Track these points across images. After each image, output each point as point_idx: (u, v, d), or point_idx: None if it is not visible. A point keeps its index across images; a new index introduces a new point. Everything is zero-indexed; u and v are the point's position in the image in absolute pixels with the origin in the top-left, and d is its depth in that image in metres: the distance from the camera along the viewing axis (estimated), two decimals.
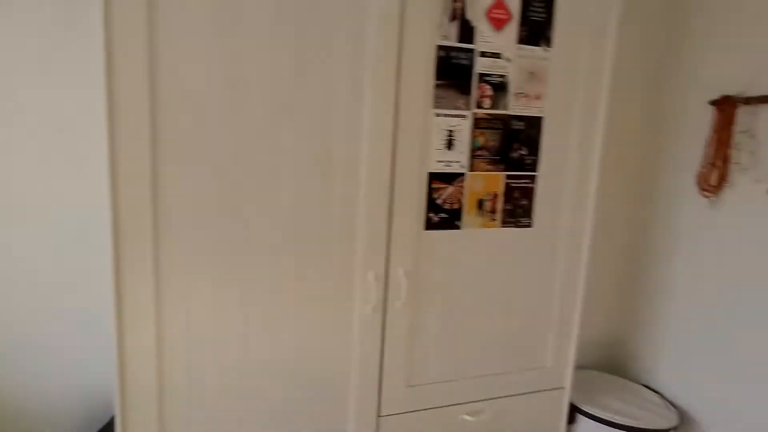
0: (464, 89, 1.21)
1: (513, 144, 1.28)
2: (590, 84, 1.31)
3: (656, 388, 1.68)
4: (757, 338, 1.35)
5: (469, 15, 1.18)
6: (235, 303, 1.12)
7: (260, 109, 1.06)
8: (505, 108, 1.25)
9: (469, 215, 1.27)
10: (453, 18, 1.17)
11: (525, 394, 1.42)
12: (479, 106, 1.23)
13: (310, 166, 1.12)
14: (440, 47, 1.17)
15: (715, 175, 1.42)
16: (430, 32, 1.15)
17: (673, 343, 1.62)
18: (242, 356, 1.15)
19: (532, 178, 1.31)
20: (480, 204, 1.27)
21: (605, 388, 1.63)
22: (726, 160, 1.39)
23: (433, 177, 1.22)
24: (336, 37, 1.09)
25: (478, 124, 1.24)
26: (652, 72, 1.68)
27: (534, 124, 1.28)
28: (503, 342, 1.38)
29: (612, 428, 1.46)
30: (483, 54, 1.20)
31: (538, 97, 1.27)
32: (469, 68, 1.20)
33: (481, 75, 1.21)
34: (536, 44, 1.24)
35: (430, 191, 1.22)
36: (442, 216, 1.25)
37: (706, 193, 1.45)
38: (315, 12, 1.06)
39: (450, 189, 1.24)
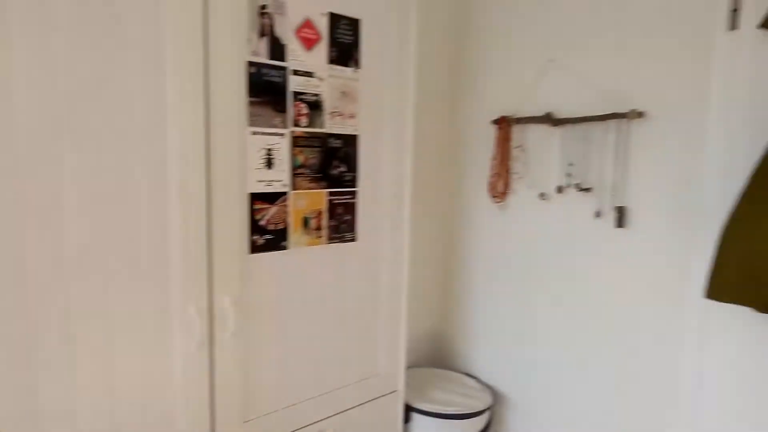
0: (280, 107, 1.19)
1: (332, 161, 1.30)
2: (397, 103, 1.42)
3: (474, 374, 1.89)
4: (544, 316, 1.63)
5: (279, 32, 1.17)
6: (18, 350, 0.89)
7: (36, 123, 0.87)
8: (321, 126, 1.27)
9: (295, 234, 1.25)
10: (262, 34, 1.15)
11: (363, 403, 1.46)
12: (296, 125, 1.22)
13: (106, 190, 0.96)
14: (251, 64, 1.13)
15: (501, 184, 1.68)
16: (239, 48, 1.11)
17: (483, 331, 1.85)
18: (32, 408, 0.92)
19: (353, 194, 1.36)
20: (305, 222, 1.27)
21: (433, 383, 1.78)
22: (508, 170, 1.66)
23: (255, 197, 1.17)
24: (134, 50, 0.96)
25: (297, 142, 1.23)
26: (449, 94, 1.91)
27: (350, 141, 1.34)
28: (338, 357, 1.39)
29: (441, 419, 1.59)
30: (296, 72, 1.21)
31: (352, 116, 1.33)
32: (283, 86, 1.19)
33: (296, 93, 1.21)
34: (346, 65, 1.30)
35: (253, 212, 1.17)
36: (268, 237, 1.20)
37: (495, 199, 1.71)
38: (110, 21, 0.92)
39: (273, 209, 1.21)
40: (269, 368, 1.25)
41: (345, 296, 1.38)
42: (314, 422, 1.35)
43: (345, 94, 1.31)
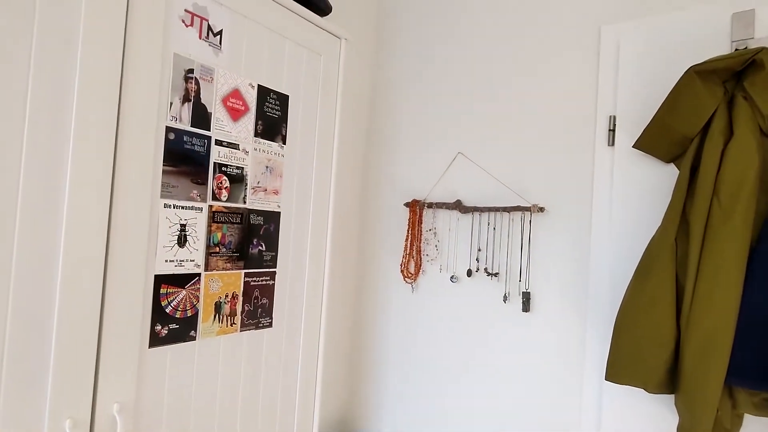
0: (200, 179, 1.08)
1: (252, 239, 1.20)
2: (320, 182, 1.39)
3: None
4: (453, 391, 1.62)
5: (205, 99, 1.08)
6: None
7: None
8: (243, 201, 1.17)
9: (206, 322, 1.09)
10: (186, 100, 1.05)
11: None
12: (216, 198, 1.11)
13: None
14: (170, 129, 1.02)
15: (412, 265, 1.71)
16: (157, 111, 0.99)
17: (392, 414, 1.78)
18: None
19: (272, 275, 1.25)
20: (218, 307, 1.12)
21: None
22: (419, 252, 1.70)
23: (162, 280, 1.00)
24: (36, 99, 0.80)
25: (215, 217, 1.11)
26: (362, 175, 1.94)
27: (272, 218, 1.25)
28: None
29: None
30: (220, 143, 1.12)
31: (275, 192, 1.26)
32: (204, 156, 1.08)
33: (219, 165, 1.11)
34: (272, 139, 1.25)
35: (158, 298, 1.00)
36: (173, 327, 1.03)
37: (407, 279, 1.72)
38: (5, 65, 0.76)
39: (183, 293, 1.04)
40: None
41: (257, 390, 1.22)
42: None
43: (269, 170, 1.24)
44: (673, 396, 1.20)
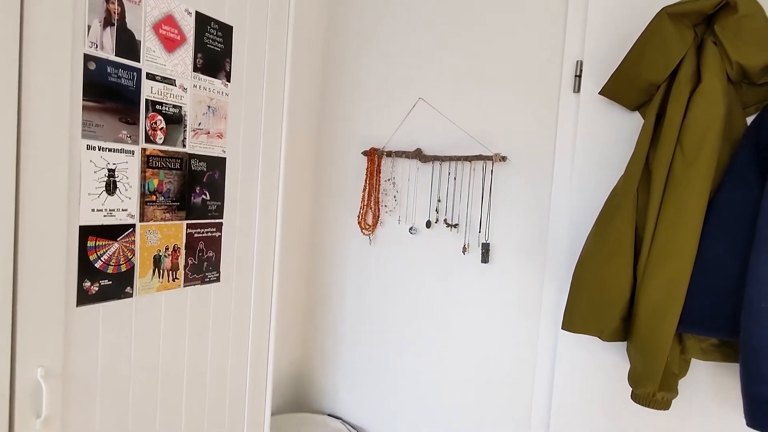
0: (129, 118, 0.94)
1: (194, 187, 1.09)
2: (269, 125, 1.27)
3: (339, 415, 1.78)
4: (410, 350, 1.62)
5: (132, 25, 0.93)
6: None
7: None
8: (182, 145, 1.05)
9: (143, 278, 0.99)
10: (108, 23, 0.90)
11: None
12: (150, 141, 0.99)
13: None
14: (90, 58, 0.87)
15: (370, 216, 1.65)
16: (72, 36, 0.84)
17: (348, 368, 1.77)
18: None
19: (218, 226, 1.15)
20: (157, 261, 1.02)
21: (297, 430, 1.61)
22: (377, 203, 1.64)
23: (89, 232, 0.89)
24: None
25: (150, 162, 0.99)
26: (317, 120, 1.82)
27: (217, 165, 1.14)
28: (195, 422, 1.14)
29: None
30: (152, 77, 0.98)
31: (219, 136, 1.14)
32: (134, 92, 0.95)
33: (152, 103, 0.98)
34: (215, 76, 1.11)
35: (85, 251, 0.89)
36: (105, 283, 0.92)
37: (365, 231, 1.66)
38: None
39: (115, 246, 0.93)
40: None
41: (205, 348, 1.15)
42: None
43: (212, 110, 1.11)
44: (625, 343, 1.23)
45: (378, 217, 1.64)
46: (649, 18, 1.20)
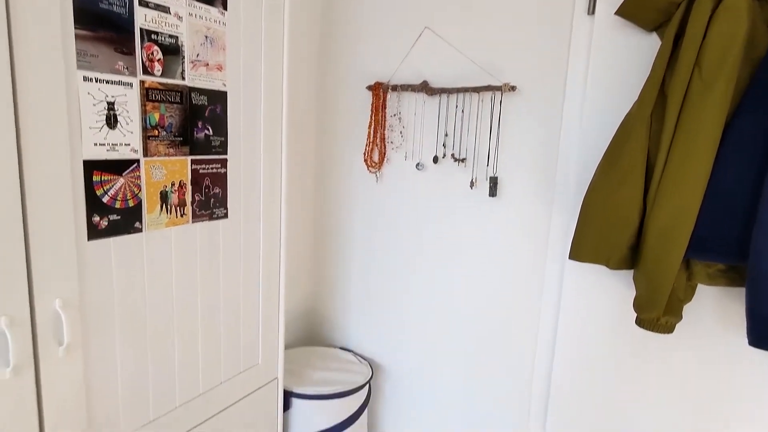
0: (125, 48, 0.91)
1: (196, 122, 1.07)
2: (270, 58, 1.23)
3: (350, 348, 1.85)
4: (418, 284, 1.65)
5: None
6: None
7: None
8: (181, 77, 1.02)
9: (151, 213, 0.99)
10: None
11: (240, 400, 1.29)
12: (148, 72, 0.96)
13: None
14: None
15: (376, 153, 1.62)
16: None
17: (358, 303, 1.81)
18: None
19: (223, 162, 1.14)
20: (164, 197, 1.02)
21: (311, 363, 1.68)
22: (383, 139, 1.61)
23: (93, 166, 0.88)
24: None
25: (150, 95, 0.96)
26: (320, 54, 1.75)
27: (218, 98, 1.11)
28: (212, 353, 1.19)
29: (322, 400, 1.51)
30: (145, 4, 0.93)
31: (219, 68, 1.10)
32: (127, 20, 0.91)
33: (147, 32, 0.94)
34: (210, 3, 1.06)
35: (91, 186, 0.89)
36: (114, 218, 0.93)
37: (371, 169, 1.65)
38: None
39: (121, 181, 0.93)
40: (123, 381, 0.99)
41: (217, 283, 1.17)
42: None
43: (210, 41, 1.07)
44: (631, 272, 1.24)
45: (384, 154, 1.62)
46: None
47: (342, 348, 1.84)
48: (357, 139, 1.69)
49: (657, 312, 1.08)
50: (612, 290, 1.31)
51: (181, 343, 1.11)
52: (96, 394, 0.95)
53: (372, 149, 1.63)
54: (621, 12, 1.16)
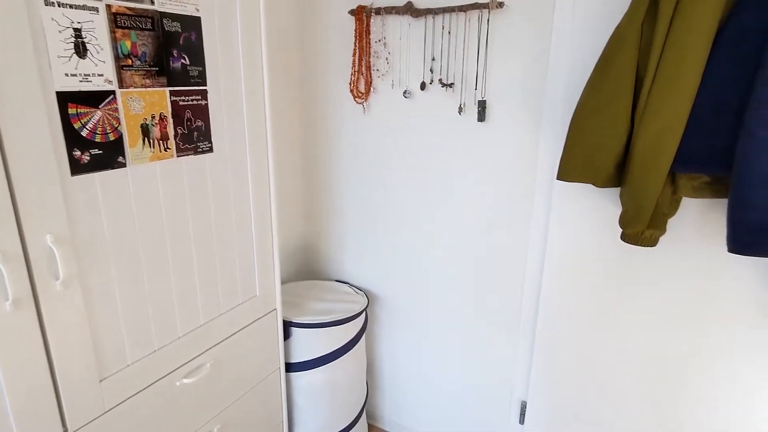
0: None
1: (172, 51, 1.02)
2: None
3: (346, 280, 1.90)
4: (410, 212, 1.67)
5: None
6: None
7: None
8: (150, 2, 0.97)
9: (134, 147, 0.98)
10: None
11: (240, 330, 1.34)
12: None
13: None
14: None
15: (362, 83, 1.58)
16: None
17: (352, 235, 1.84)
18: None
19: (203, 94, 1.11)
20: (145, 131, 1.00)
21: (308, 295, 1.73)
22: (369, 67, 1.56)
23: (68, 98, 0.86)
24: None
25: (119, 21, 0.92)
26: None
27: (192, 25, 1.06)
28: (208, 286, 1.22)
29: (320, 329, 1.57)
30: None
31: None
32: None
33: None
34: None
35: (68, 119, 0.86)
36: (95, 153, 0.91)
37: (357, 99, 1.61)
38: None
39: (98, 114, 0.91)
40: (125, 314, 1.02)
41: (208, 218, 1.18)
42: (188, 360, 1.19)
43: None
44: (618, 190, 1.25)
45: (370, 83, 1.57)
46: None
47: (338, 281, 1.89)
48: (342, 68, 1.64)
49: (641, 226, 1.10)
50: (599, 209, 1.33)
51: (178, 276, 1.13)
52: (99, 325, 0.98)
53: (358, 78, 1.58)
54: None
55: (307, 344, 1.59)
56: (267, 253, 1.39)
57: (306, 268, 2.02)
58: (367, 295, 1.85)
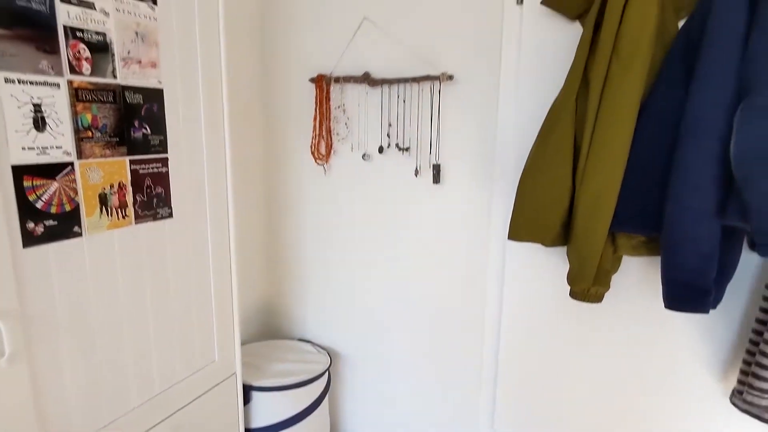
0: (48, 46, 0.88)
1: (133, 121, 1.05)
2: (207, 53, 1.21)
3: (308, 338, 1.87)
4: (371, 262, 1.69)
5: None
6: None
7: None
8: (113, 76, 1.00)
9: (91, 217, 0.97)
10: None
11: (199, 397, 1.29)
12: (76, 72, 0.93)
13: None
14: None
15: (323, 145, 1.64)
16: None
17: (313, 293, 1.83)
18: None
19: (164, 161, 1.13)
20: (103, 199, 1.00)
21: (269, 356, 1.69)
22: (329, 131, 1.62)
23: (24, 171, 0.86)
24: None
25: (80, 95, 0.94)
26: (261, 48, 1.73)
27: (154, 96, 1.09)
28: (164, 353, 1.18)
29: (282, 391, 1.53)
30: (67, 0, 0.90)
31: (153, 65, 1.08)
32: (48, 17, 0.88)
33: (71, 29, 0.91)
34: None
35: (23, 192, 0.86)
36: (50, 224, 0.90)
37: (318, 161, 1.66)
38: None
39: (55, 185, 0.91)
40: (74, 388, 0.98)
41: (166, 283, 1.16)
42: None
43: (141, 37, 1.04)
44: (564, 248, 1.33)
45: (331, 146, 1.63)
46: None
47: (300, 339, 1.86)
48: (303, 132, 1.70)
49: (587, 283, 1.17)
50: (550, 266, 1.39)
51: (133, 345, 1.10)
52: (46, 402, 0.93)
53: (318, 142, 1.64)
54: (546, 1, 1.23)
55: (269, 408, 1.54)
56: (227, 317, 1.37)
57: (267, 328, 1.98)
58: (330, 353, 1.83)
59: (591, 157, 1.12)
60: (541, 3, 1.23)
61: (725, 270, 1.06)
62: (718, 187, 0.94)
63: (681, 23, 1.12)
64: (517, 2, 1.33)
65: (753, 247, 1.07)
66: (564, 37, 1.29)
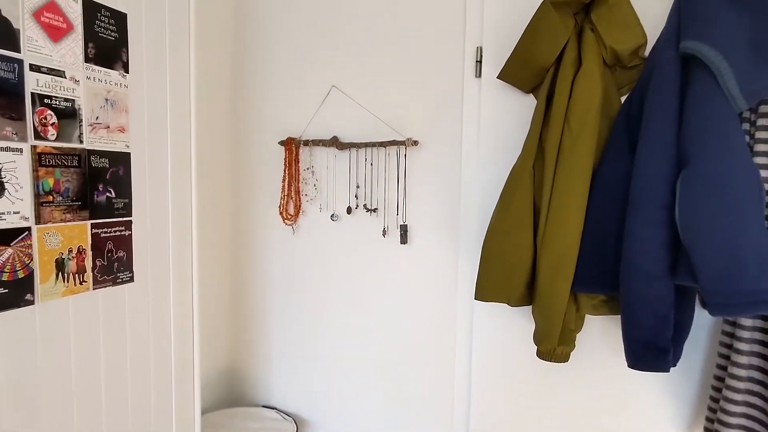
0: (14, 113, 0.88)
1: (97, 185, 1.04)
2: (176, 117, 1.23)
3: (273, 405, 1.79)
4: (338, 323, 1.66)
5: (7, 12, 0.87)
6: None
7: None
8: (79, 140, 1.00)
9: (45, 283, 0.93)
10: None
11: None
12: (40, 137, 0.93)
13: None
14: None
15: (292, 206, 1.65)
16: None
17: (278, 358, 1.77)
18: None
19: (128, 225, 1.11)
20: (60, 265, 0.96)
21: (232, 425, 1.60)
22: (298, 192, 1.64)
23: None
24: None
25: (43, 160, 0.93)
26: (231, 112, 1.77)
27: (120, 160, 1.09)
28: (117, 427, 1.10)
29: None
30: (37, 68, 0.91)
31: (121, 130, 1.09)
32: (16, 85, 0.88)
33: (39, 96, 0.92)
34: (111, 67, 1.06)
35: None
36: (0, 292, 0.86)
37: (287, 221, 1.66)
38: None
39: (9, 252, 0.87)
40: None
41: (123, 352, 1.11)
42: None
43: (111, 103, 1.06)
44: (530, 307, 1.35)
45: (299, 206, 1.65)
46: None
47: (265, 406, 1.78)
48: (272, 193, 1.71)
49: (552, 343, 1.18)
50: (517, 325, 1.41)
51: (83, 420, 1.02)
52: None
53: (287, 202, 1.66)
54: (502, 76, 1.32)
55: None
56: (187, 386, 1.30)
57: (230, 394, 1.88)
58: (296, 420, 1.74)
59: (550, 221, 1.17)
60: (498, 77, 1.32)
61: (681, 327, 1.10)
62: (668, 251, 1.00)
63: (623, 98, 1.22)
64: (476, 75, 1.43)
65: (704, 305, 1.12)
66: (520, 107, 1.38)
